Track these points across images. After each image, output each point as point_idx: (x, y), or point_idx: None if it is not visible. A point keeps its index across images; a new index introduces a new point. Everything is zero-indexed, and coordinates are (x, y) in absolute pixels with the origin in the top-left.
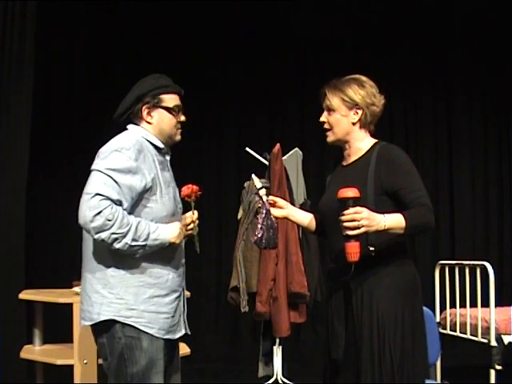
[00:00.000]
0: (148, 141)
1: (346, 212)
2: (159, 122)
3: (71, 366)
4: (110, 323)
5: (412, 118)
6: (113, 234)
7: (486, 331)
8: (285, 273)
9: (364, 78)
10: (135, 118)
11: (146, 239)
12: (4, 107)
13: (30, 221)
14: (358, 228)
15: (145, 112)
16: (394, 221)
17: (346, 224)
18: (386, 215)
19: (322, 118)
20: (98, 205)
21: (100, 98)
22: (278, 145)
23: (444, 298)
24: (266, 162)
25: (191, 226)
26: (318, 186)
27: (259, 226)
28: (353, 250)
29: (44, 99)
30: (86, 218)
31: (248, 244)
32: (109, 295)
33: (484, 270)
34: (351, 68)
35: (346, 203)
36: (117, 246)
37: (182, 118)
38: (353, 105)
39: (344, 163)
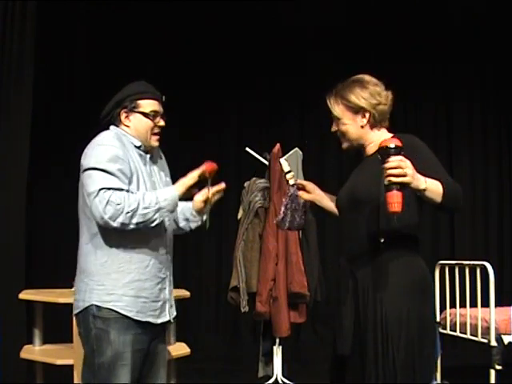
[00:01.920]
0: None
1: (390, 159)
2: (136, 125)
3: (71, 366)
4: (86, 314)
5: (412, 118)
6: (127, 213)
7: (486, 331)
8: (285, 273)
9: (367, 78)
10: (115, 121)
11: (156, 203)
12: (4, 107)
13: (30, 221)
14: (403, 176)
15: (123, 116)
16: (433, 184)
17: (390, 171)
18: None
19: (333, 128)
20: (103, 197)
21: (100, 98)
22: (278, 145)
23: (444, 298)
24: (266, 162)
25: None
26: (318, 185)
27: (283, 207)
28: (395, 200)
29: (44, 99)
30: (101, 214)
31: (248, 244)
32: (91, 282)
33: (484, 270)
34: (351, 68)
35: (388, 151)
36: (135, 220)
37: (161, 122)
38: (358, 109)
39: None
